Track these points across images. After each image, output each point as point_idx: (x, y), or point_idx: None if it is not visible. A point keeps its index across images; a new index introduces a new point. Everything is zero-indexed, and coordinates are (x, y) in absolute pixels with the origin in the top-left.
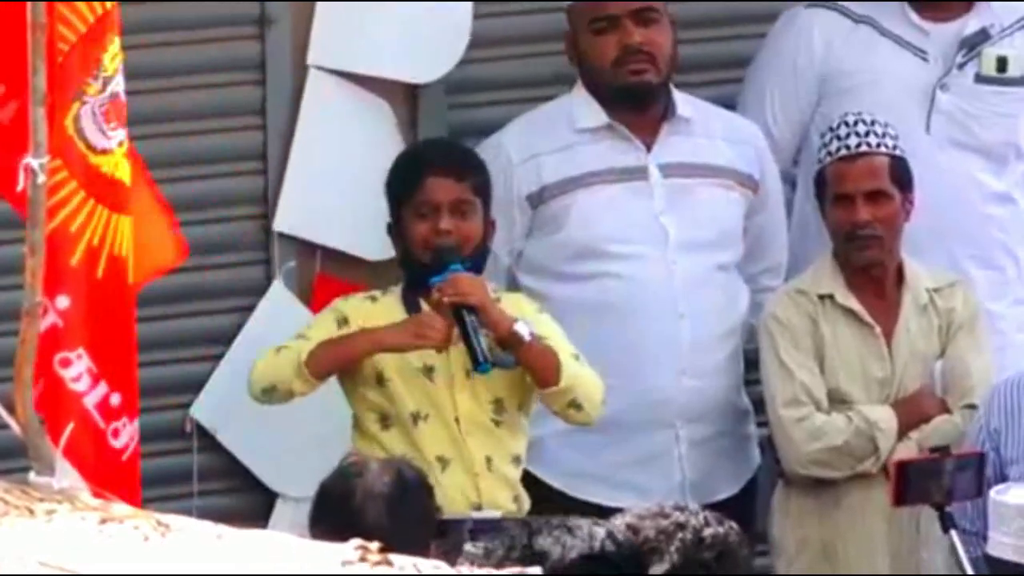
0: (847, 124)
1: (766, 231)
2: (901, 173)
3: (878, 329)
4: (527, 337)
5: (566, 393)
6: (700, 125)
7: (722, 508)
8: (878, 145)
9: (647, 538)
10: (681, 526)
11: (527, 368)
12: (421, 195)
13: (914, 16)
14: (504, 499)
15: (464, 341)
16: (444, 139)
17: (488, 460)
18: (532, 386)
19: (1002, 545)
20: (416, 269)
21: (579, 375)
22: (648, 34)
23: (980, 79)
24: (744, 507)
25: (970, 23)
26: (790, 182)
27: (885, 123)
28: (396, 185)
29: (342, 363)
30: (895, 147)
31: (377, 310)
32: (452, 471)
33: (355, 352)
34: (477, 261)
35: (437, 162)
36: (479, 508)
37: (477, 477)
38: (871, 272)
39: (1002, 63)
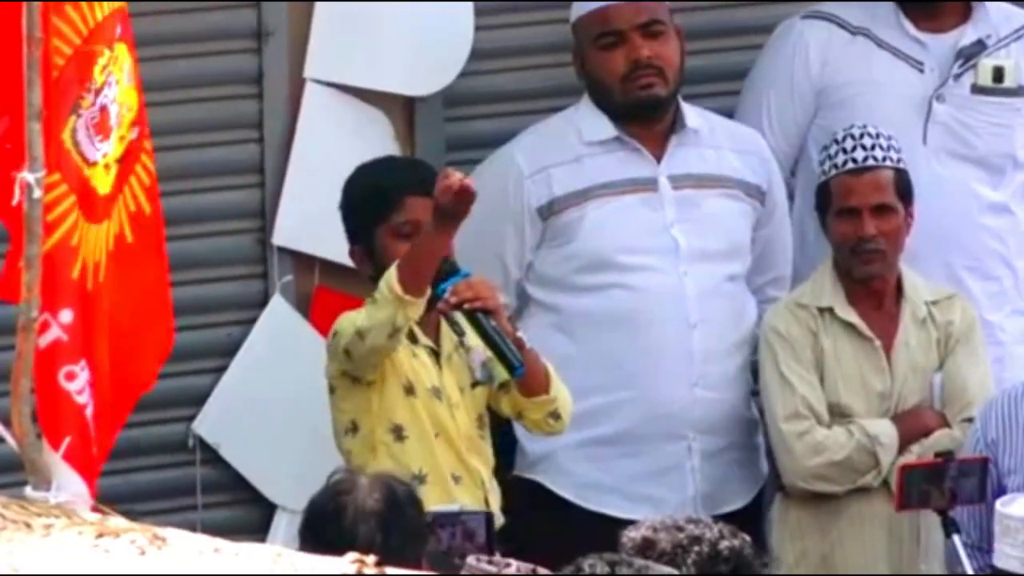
0: (853, 137)
1: (772, 242)
2: (904, 186)
3: (878, 342)
4: (525, 342)
5: (553, 402)
6: (708, 136)
7: (732, 520)
8: (884, 159)
9: (663, 551)
10: (697, 539)
11: (526, 375)
12: (401, 216)
13: (910, 27)
14: (499, 510)
15: (491, 347)
16: (407, 157)
17: (489, 475)
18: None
19: (1008, 558)
20: None
21: (559, 383)
22: (656, 47)
23: (976, 90)
24: (754, 519)
25: (966, 34)
26: (788, 194)
27: (889, 136)
28: (369, 207)
29: (430, 263)
30: (899, 160)
31: None
32: (464, 486)
33: (434, 249)
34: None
35: (413, 182)
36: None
37: (487, 491)
38: (871, 285)
39: (998, 74)
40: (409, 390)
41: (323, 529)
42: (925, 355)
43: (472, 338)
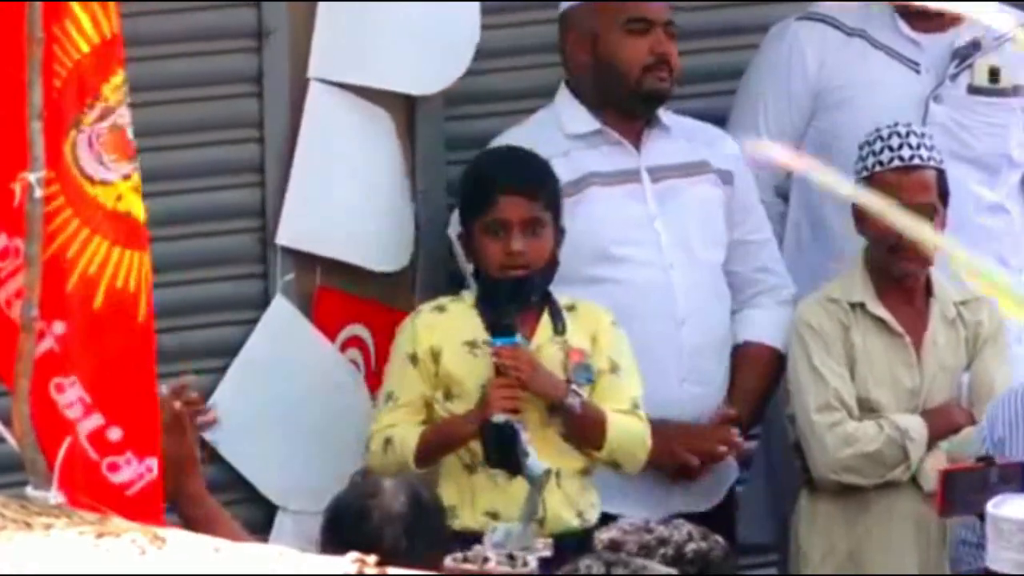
0: (899, 135)
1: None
2: (944, 187)
3: (908, 339)
4: (577, 408)
5: (606, 457)
6: (679, 130)
7: (713, 516)
8: (928, 159)
9: (629, 553)
10: (663, 541)
11: (572, 435)
12: (493, 214)
13: (906, 28)
14: (568, 516)
15: (503, 452)
16: (516, 150)
17: (557, 474)
18: None
19: (1003, 560)
20: (488, 284)
21: (623, 436)
22: (671, 48)
23: (972, 90)
24: (729, 515)
25: (962, 34)
26: (783, 195)
27: (931, 135)
28: (467, 201)
29: (451, 450)
30: (941, 160)
31: (449, 321)
32: (518, 480)
33: (462, 437)
34: (547, 274)
35: (510, 180)
36: (541, 523)
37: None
38: (903, 283)
39: (994, 73)
40: (448, 395)
41: (347, 530)
42: (953, 354)
43: (568, 342)
